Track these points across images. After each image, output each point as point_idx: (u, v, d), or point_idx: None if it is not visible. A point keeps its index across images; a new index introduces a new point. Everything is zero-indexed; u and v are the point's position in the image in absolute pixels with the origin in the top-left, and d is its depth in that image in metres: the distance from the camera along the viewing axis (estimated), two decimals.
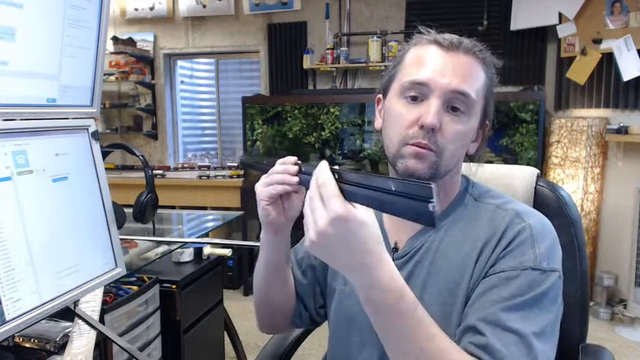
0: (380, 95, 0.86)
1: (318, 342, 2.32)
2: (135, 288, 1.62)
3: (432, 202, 0.48)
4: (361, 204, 0.56)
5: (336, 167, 0.60)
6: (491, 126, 0.85)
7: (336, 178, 0.57)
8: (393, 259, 0.68)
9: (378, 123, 0.86)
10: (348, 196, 0.56)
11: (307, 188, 0.62)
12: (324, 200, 0.56)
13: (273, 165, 0.77)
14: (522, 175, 1.01)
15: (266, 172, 0.81)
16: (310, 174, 0.61)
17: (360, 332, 0.83)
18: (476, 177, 0.88)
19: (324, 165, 0.59)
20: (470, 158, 0.84)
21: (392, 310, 0.61)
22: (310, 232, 0.57)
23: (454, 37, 0.78)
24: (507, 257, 0.72)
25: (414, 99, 0.76)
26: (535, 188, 1.00)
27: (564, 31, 3.23)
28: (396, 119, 0.77)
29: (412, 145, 0.74)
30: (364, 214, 0.57)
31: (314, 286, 0.94)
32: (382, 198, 0.53)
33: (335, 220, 0.55)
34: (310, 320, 0.96)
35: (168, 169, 4.15)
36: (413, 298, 0.62)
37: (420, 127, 0.74)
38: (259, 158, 0.82)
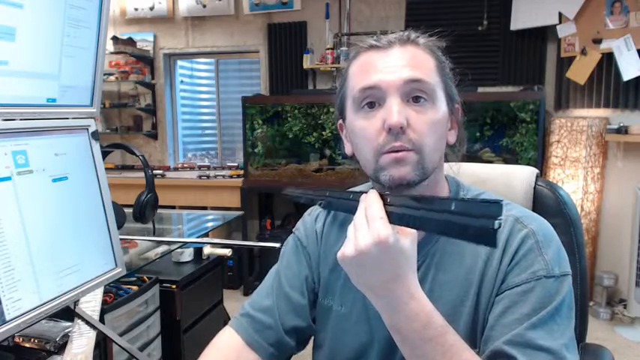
0: (340, 121, 0.82)
1: None
2: (135, 288, 1.62)
3: (499, 219, 0.46)
4: (410, 226, 0.57)
5: (387, 192, 0.62)
6: (463, 110, 0.79)
7: (385, 202, 0.59)
8: None
9: (348, 148, 0.81)
10: (394, 219, 0.57)
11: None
12: (368, 221, 0.58)
13: (320, 195, 0.76)
14: (521, 175, 1.01)
15: (312, 202, 0.81)
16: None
17: (360, 355, 0.80)
18: (468, 177, 0.85)
19: (372, 190, 0.61)
20: (452, 149, 0.80)
21: (419, 337, 0.60)
22: (348, 246, 0.59)
23: (389, 36, 0.75)
24: (517, 269, 0.69)
25: (371, 106, 0.72)
26: (534, 188, 0.99)
27: (564, 31, 3.23)
28: (362, 135, 0.73)
29: (387, 152, 0.70)
30: (405, 240, 0.58)
31: (312, 302, 0.86)
32: (437, 218, 0.51)
33: (377, 243, 0.56)
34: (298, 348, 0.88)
35: (168, 169, 4.15)
36: (441, 323, 0.61)
37: (387, 131, 0.69)
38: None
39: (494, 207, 0.46)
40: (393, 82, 0.70)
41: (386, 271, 0.58)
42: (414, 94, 0.70)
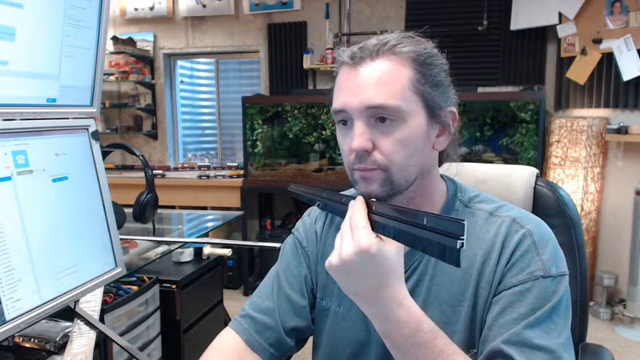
0: None
1: None
2: (135, 288, 1.62)
3: (461, 239, 0.46)
4: (391, 237, 0.57)
5: (373, 199, 0.63)
6: (459, 113, 0.77)
7: (370, 210, 0.60)
8: None
9: None
10: (378, 228, 0.58)
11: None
12: (352, 230, 0.59)
13: (323, 194, 0.76)
14: (522, 175, 1.01)
15: (312, 202, 0.81)
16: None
17: (358, 355, 0.80)
18: (468, 177, 0.85)
19: (359, 197, 0.62)
20: (445, 154, 0.79)
21: (409, 342, 0.61)
22: (334, 256, 0.60)
23: (365, 46, 0.72)
24: (514, 269, 0.70)
25: (345, 123, 0.73)
26: (534, 188, 0.99)
27: (564, 31, 3.23)
28: (340, 147, 0.76)
29: (356, 169, 0.71)
30: (389, 248, 0.58)
31: (312, 303, 0.87)
32: (412, 232, 0.52)
33: (359, 252, 0.57)
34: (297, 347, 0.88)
35: (168, 169, 4.15)
36: (431, 327, 0.62)
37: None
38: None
39: (457, 226, 0.47)
40: (356, 107, 0.69)
41: (371, 280, 0.59)
42: (379, 115, 0.69)
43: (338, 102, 0.72)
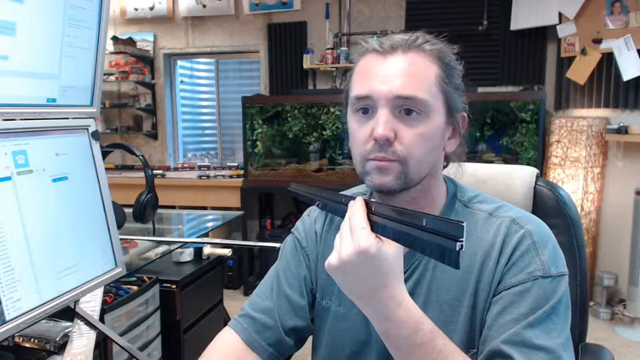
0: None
1: None
2: (135, 288, 1.62)
3: (460, 241, 0.46)
4: (390, 238, 0.57)
5: (373, 200, 0.62)
6: (469, 119, 0.79)
7: (369, 211, 0.60)
8: None
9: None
10: (377, 229, 0.58)
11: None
12: (351, 230, 0.58)
13: (322, 194, 0.76)
14: (522, 175, 1.01)
15: (312, 201, 0.81)
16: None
17: (358, 354, 0.81)
18: (468, 177, 0.85)
19: (359, 198, 0.61)
20: (449, 157, 0.80)
21: (408, 342, 0.61)
22: (333, 256, 0.60)
23: (394, 38, 0.73)
24: (513, 269, 0.70)
25: (365, 111, 0.73)
26: (534, 188, 0.99)
27: (564, 31, 3.23)
28: (353, 137, 0.75)
29: (372, 159, 0.71)
30: (388, 248, 0.58)
31: (311, 303, 0.87)
32: (411, 233, 0.52)
33: (358, 252, 0.57)
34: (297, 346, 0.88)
35: (168, 169, 4.15)
36: (431, 328, 0.62)
37: (374, 140, 0.70)
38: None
39: (456, 228, 0.47)
40: (385, 95, 0.70)
41: (370, 280, 0.59)
42: (406, 106, 0.70)
43: (364, 88, 0.72)
